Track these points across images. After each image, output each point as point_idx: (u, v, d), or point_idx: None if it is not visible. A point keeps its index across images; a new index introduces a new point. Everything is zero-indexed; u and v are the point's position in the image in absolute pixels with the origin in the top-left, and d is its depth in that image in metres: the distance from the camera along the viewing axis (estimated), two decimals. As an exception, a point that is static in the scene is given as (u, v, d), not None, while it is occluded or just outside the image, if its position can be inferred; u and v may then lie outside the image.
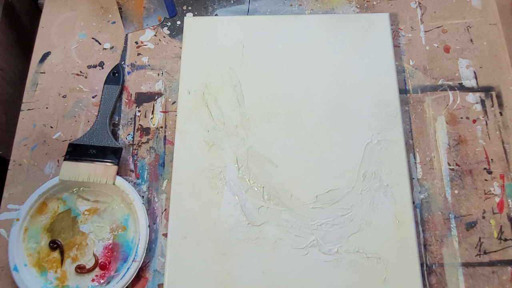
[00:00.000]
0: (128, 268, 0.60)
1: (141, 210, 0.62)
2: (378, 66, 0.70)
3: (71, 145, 0.66)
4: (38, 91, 0.73)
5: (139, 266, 0.60)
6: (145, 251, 0.61)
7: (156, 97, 0.72)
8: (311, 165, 0.65)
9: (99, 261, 0.62)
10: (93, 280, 0.61)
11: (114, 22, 0.77)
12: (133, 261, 0.60)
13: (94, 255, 0.62)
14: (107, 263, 0.62)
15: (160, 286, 0.61)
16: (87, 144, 0.66)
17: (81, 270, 0.61)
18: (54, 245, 0.62)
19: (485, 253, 0.62)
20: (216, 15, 0.77)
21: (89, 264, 0.62)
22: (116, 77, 0.72)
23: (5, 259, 0.61)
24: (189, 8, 0.78)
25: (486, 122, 0.68)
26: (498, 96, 0.70)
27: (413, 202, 0.64)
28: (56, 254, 0.62)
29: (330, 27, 0.73)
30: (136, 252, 0.60)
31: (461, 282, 0.60)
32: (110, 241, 0.63)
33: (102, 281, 0.61)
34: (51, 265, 0.62)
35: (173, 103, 0.71)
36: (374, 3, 0.77)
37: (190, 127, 0.68)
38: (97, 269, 0.61)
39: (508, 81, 0.71)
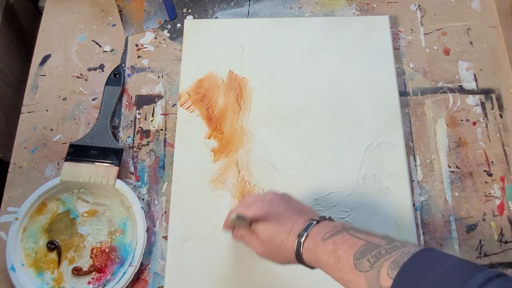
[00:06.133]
0: (124, 273, 0.59)
1: (140, 214, 0.62)
2: (378, 69, 0.70)
3: (72, 146, 0.66)
4: (38, 93, 0.73)
5: (136, 271, 0.60)
6: (142, 256, 0.60)
7: (156, 100, 0.72)
8: (311, 167, 0.65)
9: (96, 264, 0.62)
10: (89, 282, 0.61)
11: (115, 25, 0.77)
12: (129, 265, 0.60)
13: (91, 257, 0.62)
14: (104, 266, 0.61)
15: (159, 288, 0.61)
16: (88, 145, 0.66)
17: (77, 272, 0.61)
18: (52, 246, 0.62)
19: (485, 255, 0.61)
20: (216, 17, 0.77)
21: (86, 266, 0.62)
22: (117, 78, 0.72)
23: (5, 262, 0.61)
24: (189, 10, 0.78)
25: (486, 124, 0.68)
26: (498, 98, 0.70)
27: (414, 205, 0.64)
28: (53, 255, 0.62)
29: (330, 29, 0.73)
30: (133, 256, 0.60)
31: (462, 285, 0.60)
32: (108, 244, 0.63)
33: (98, 283, 0.61)
34: (48, 266, 0.61)
35: (173, 105, 0.71)
36: (374, 5, 0.77)
37: (190, 129, 0.68)
38: (93, 272, 0.61)
39: (508, 83, 0.71)
